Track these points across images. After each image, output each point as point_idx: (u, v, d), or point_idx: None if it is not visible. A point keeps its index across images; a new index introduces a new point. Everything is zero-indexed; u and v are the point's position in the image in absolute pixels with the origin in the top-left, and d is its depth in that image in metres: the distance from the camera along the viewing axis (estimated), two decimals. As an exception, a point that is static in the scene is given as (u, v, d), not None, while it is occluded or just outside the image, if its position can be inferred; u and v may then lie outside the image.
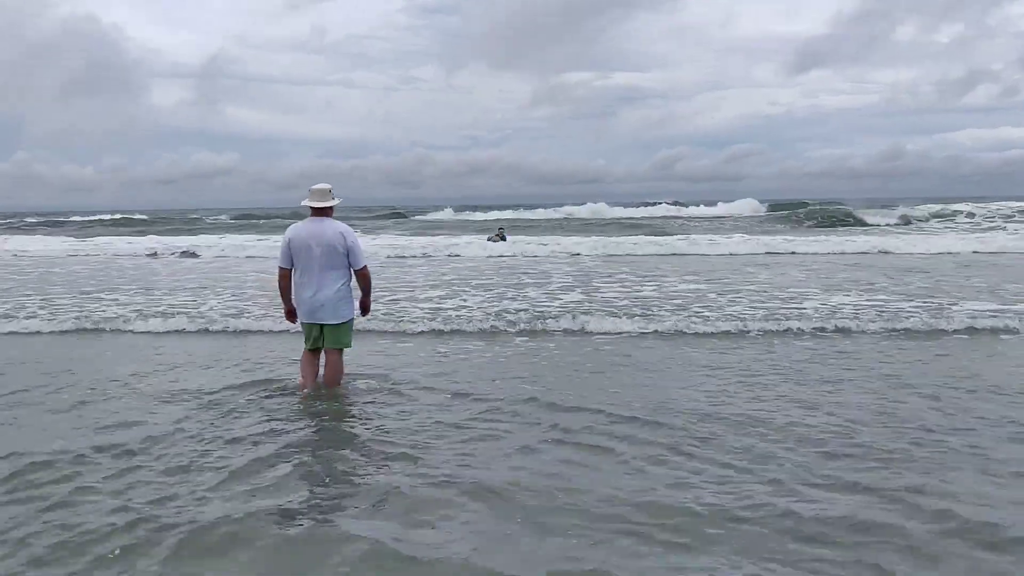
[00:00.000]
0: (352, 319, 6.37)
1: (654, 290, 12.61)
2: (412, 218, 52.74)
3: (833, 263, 17.70)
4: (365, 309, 6.49)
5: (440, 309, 10.62)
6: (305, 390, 6.26)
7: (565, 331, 9.11)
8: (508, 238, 28.93)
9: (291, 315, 6.35)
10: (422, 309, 10.63)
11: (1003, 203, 41.61)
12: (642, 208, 52.07)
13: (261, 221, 47.01)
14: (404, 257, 21.20)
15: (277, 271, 6.34)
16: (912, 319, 9.26)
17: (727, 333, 8.83)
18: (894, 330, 8.84)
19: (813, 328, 8.93)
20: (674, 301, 11.19)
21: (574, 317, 9.60)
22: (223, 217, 54.40)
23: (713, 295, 11.81)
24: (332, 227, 6.14)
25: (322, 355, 6.38)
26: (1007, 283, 12.93)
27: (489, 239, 28.65)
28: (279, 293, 6.37)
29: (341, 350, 6.37)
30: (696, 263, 18.16)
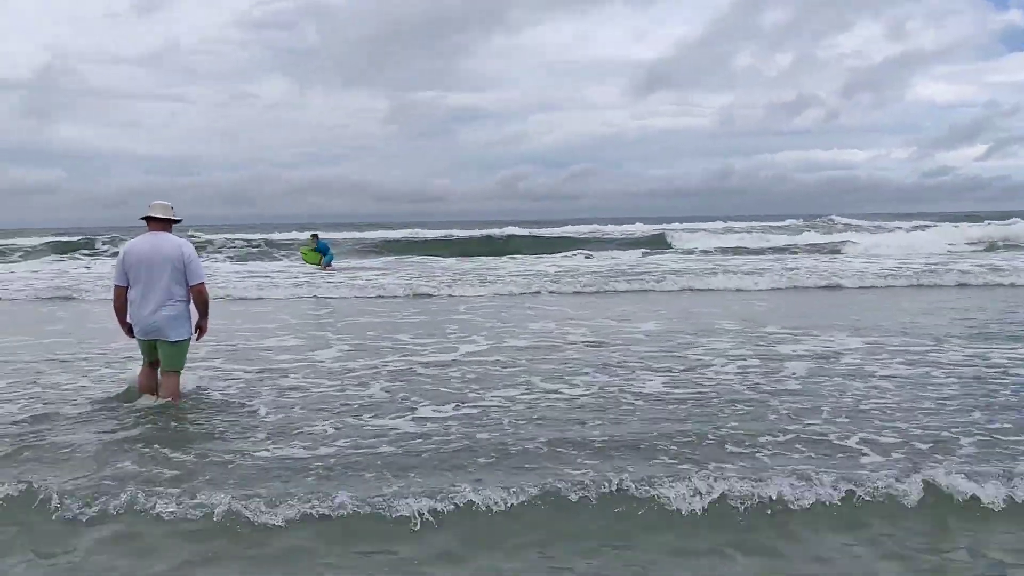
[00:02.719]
0: (188, 339, 6.08)
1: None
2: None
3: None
4: (201, 331, 6.20)
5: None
6: (145, 398, 6.05)
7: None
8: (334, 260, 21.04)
9: (131, 333, 6.08)
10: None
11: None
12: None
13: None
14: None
15: (113, 289, 6.09)
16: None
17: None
18: None
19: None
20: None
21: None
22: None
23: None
24: (170, 241, 5.93)
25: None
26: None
27: (304, 254, 21.14)
28: (115, 312, 6.09)
29: (176, 373, 6.07)
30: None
